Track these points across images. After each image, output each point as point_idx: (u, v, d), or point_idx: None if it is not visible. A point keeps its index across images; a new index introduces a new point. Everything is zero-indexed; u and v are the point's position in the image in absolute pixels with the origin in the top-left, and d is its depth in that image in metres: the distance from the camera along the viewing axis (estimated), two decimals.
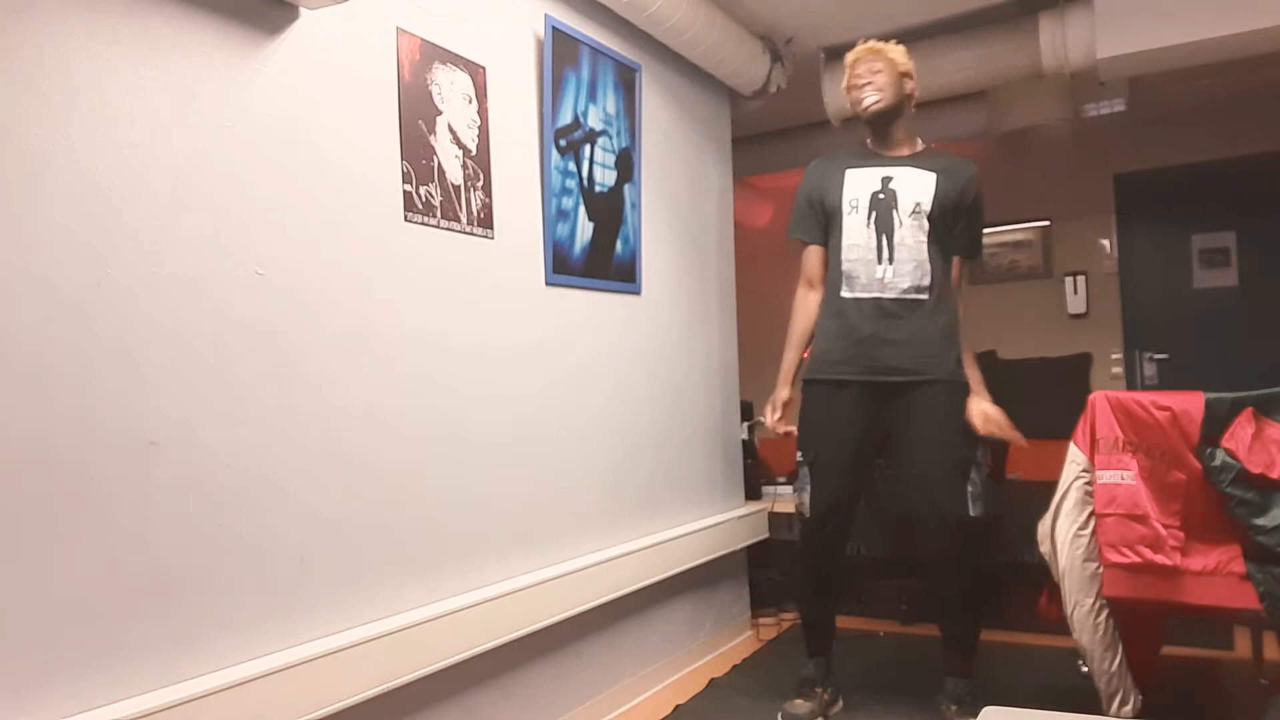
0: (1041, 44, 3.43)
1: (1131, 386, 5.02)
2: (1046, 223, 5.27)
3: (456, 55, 2.30)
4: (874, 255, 2.53)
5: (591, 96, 2.82)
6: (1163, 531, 2.20)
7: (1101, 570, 2.28)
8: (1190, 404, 2.21)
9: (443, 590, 2.19)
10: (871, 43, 2.62)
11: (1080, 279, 5.16)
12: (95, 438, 1.51)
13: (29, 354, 1.44)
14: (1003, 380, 2.74)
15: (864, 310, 2.55)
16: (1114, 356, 5.06)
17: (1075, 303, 5.17)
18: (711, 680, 3.13)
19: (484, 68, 2.39)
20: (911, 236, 2.51)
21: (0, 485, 1.39)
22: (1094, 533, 2.29)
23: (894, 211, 2.53)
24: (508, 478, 2.45)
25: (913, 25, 3.67)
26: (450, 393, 2.27)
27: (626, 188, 3.01)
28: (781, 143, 4.76)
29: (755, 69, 3.60)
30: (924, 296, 2.52)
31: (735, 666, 3.29)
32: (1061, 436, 2.40)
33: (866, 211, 2.55)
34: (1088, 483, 2.31)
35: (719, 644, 3.50)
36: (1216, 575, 2.18)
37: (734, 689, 3.05)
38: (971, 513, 2.52)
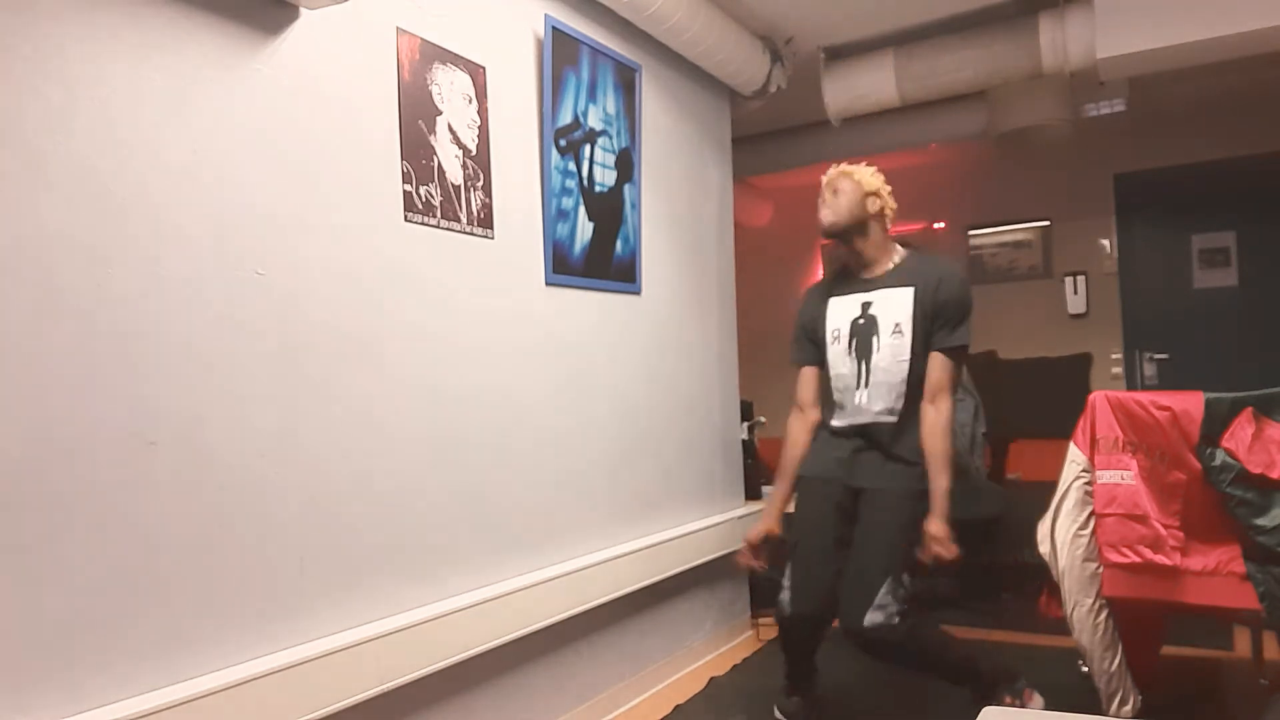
0: (1041, 44, 3.43)
1: (1131, 386, 5.03)
2: (1046, 223, 5.28)
3: (456, 55, 2.30)
4: (855, 382, 2.56)
5: (591, 96, 2.82)
6: (1163, 531, 2.20)
7: (1101, 570, 2.28)
8: (1190, 404, 2.21)
9: (443, 590, 2.20)
10: (844, 166, 2.64)
11: (1080, 279, 5.16)
12: (95, 438, 1.51)
13: (29, 354, 1.44)
14: (1003, 380, 2.74)
15: (849, 433, 2.58)
16: (1114, 356, 5.06)
17: (1075, 303, 5.17)
18: (711, 679, 3.13)
19: (484, 68, 2.39)
20: (889, 358, 2.52)
21: (1, 485, 1.39)
22: (1094, 533, 2.29)
23: (874, 337, 2.55)
24: (507, 478, 2.45)
25: (913, 25, 3.67)
26: (450, 393, 2.27)
27: (626, 188, 3.01)
28: (781, 143, 4.76)
29: (755, 69, 3.60)
30: (893, 419, 2.51)
31: (735, 666, 3.30)
32: (1061, 436, 2.40)
33: (847, 340, 2.58)
34: (1088, 483, 2.31)
35: (719, 644, 3.50)
36: (1216, 575, 2.18)
37: (734, 689, 3.05)
38: (874, 620, 2.32)
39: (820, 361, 2.68)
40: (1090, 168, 5.08)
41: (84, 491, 1.49)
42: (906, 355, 2.50)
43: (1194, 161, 4.83)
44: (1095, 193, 5.11)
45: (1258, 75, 4.19)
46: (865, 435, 2.55)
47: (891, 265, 2.61)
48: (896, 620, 2.33)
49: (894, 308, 2.54)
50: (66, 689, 1.45)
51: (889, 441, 2.51)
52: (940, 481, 2.43)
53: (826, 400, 2.68)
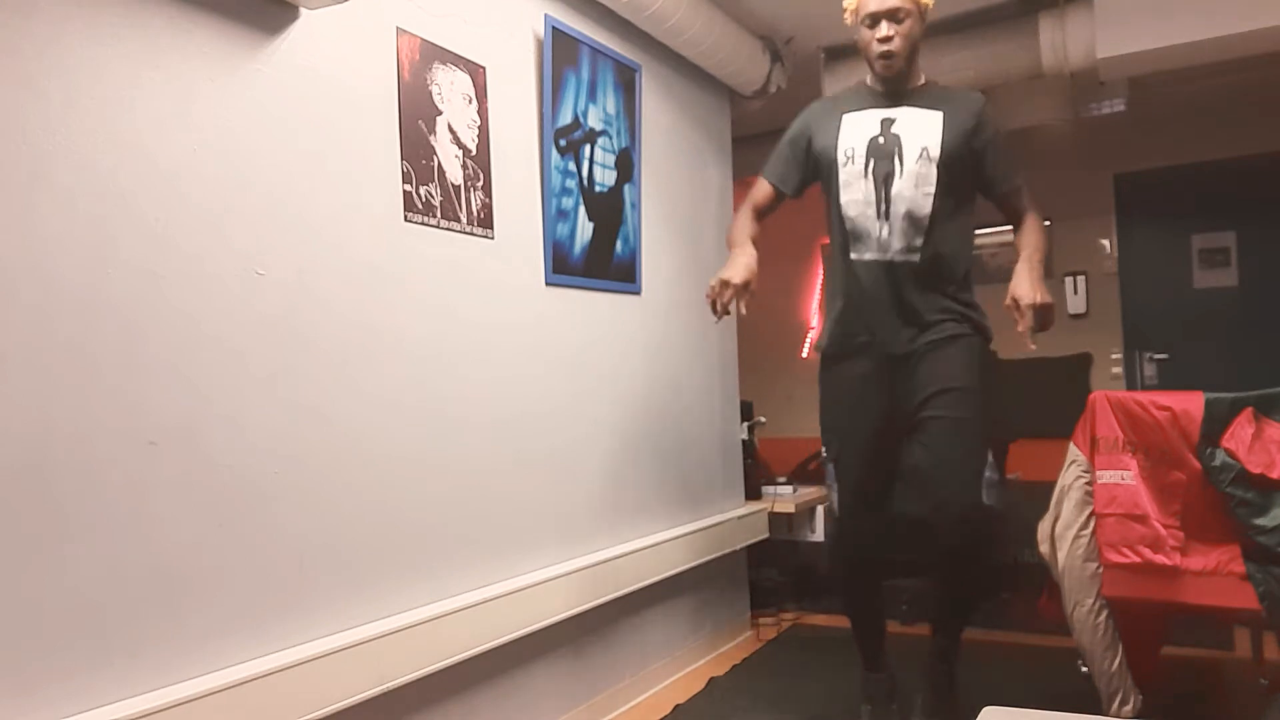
0: (1041, 44, 3.43)
1: (1131, 386, 5.02)
2: (1047, 223, 5.25)
3: (456, 55, 2.30)
4: (874, 210, 2.25)
5: (591, 96, 2.82)
6: (1163, 531, 2.20)
7: (1101, 570, 2.28)
8: (1190, 404, 2.21)
9: (443, 590, 2.19)
10: None
11: (1080, 279, 5.16)
12: (95, 438, 1.51)
13: (30, 354, 1.44)
14: (1003, 380, 2.74)
15: (874, 274, 2.28)
16: (1114, 356, 5.05)
17: (1075, 303, 5.17)
18: (711, 680, 3.13)
19: (484, 68, 2.39)
20: (911, 187, 2.22)
21: (1, 485, 1.39)
22: (1094, 533, 2.29)
23: (895, 159, 2.24)
24: (507, 477, 2.45)
25: None
26: (450, 393, 2.27)
27: (626, 188, 3.01)
28: None
29: (755, 69, 3.60)
30: (915, 258, 2.24)
31: (735, 666, 3.29)
32: (1061, 436, 2.40)
33: (863, 161, 2.26)
34: (1088, 483, 2.31)
35: (719, 644, 3.50)
36: (1216, 575, 2.18)
37: (734, 689, 3.05)
38: (986, 500, 2.23)
39: (792, 189, 2.40)
40: (1090, 168, 5.08)
41: (84, 491, 1.49)
42: (932, 187, 2.21)
43: (1194, 161, 4.82)
44: (1095, 193, 5.11)
45: (1258, 75, 4.19)
46: (896, 277, 2.25)
47: (921, 82, 2.31)
48: (997, 499, 2.24)
49: (922, 130, 2.23)
50: (67, 689, 1.45)
51: (918, 287, 2.25)
52: (1036, 260, 2.28)
53: (839, 228, 2.35)
